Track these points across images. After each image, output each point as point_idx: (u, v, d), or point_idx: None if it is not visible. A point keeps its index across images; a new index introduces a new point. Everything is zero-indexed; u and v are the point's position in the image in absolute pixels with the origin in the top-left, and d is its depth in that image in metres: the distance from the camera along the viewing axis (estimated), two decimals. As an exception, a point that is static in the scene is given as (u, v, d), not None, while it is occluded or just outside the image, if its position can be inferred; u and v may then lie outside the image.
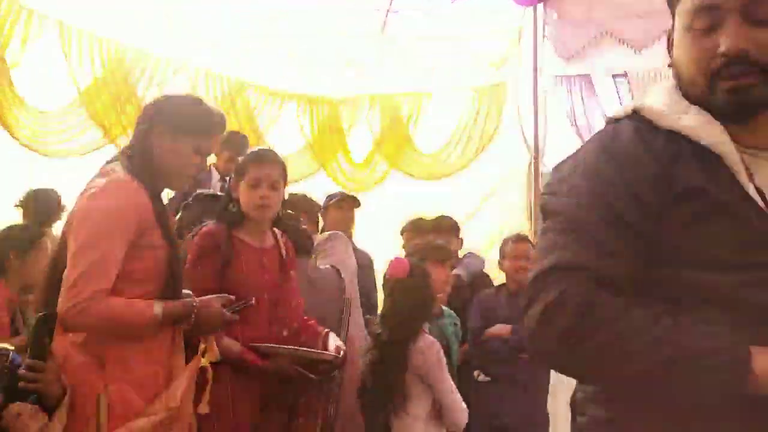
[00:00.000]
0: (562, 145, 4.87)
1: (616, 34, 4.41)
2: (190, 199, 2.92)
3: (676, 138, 0.93)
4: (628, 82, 4.54)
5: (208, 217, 2.42)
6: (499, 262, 3.79)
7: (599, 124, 4.45)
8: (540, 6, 4.99)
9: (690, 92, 0.96)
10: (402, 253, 3.43)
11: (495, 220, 5.30)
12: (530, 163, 5.03)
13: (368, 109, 5.80)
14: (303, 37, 5.17)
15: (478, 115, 5.31)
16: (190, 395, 1.86)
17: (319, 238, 3.30)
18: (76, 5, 4.39)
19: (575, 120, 4.80)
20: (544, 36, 4.98)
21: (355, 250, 3.58)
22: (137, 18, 4.62)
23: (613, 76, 4.65)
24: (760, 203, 0.89)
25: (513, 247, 3.65)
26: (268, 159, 2.31)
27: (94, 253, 1.68)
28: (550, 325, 0.87)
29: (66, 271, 1.69)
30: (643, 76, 4.46)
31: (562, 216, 0.93)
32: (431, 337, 2.59)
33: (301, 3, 4.99)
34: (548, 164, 4.97)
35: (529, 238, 3.88)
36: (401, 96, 5.77)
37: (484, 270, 4.22)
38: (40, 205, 3.66)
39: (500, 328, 3.46)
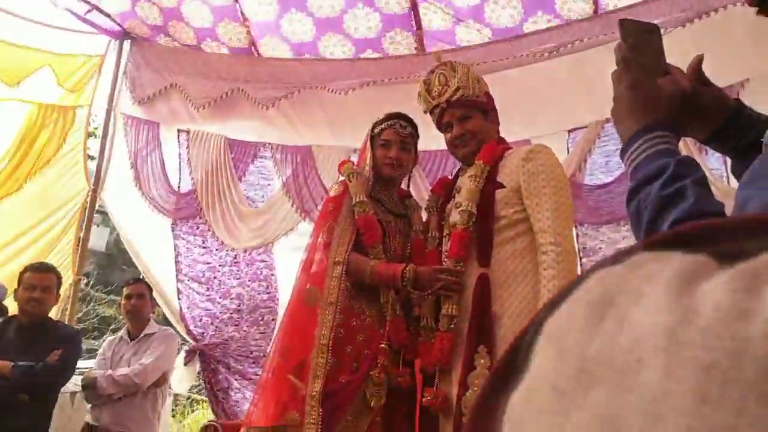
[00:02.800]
0: (117, 185, 4.85)
1: (182, 88, 4.67)
2: None
3: None
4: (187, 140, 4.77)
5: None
6: (14, 291, 3.54)
7: (156, 172, 4.51)
8: (127, 42, 4.99)
9: None
10: None
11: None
12: (88, 194, 4.84)
13: None
14: None
15: (40, 133, 4.86)
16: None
17: None
18: None
19: (135, 163, 4.81)
20: (124, 72, 4.97)
21: None
22: None
23: (178, 130, 4.83)
24: None
25: (27, 276, 3.43)
26: None
27: None
28: None
29: None
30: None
31: None
32: None
33: None
34: (106, 199, 4.87)
35: (56, 268, 3.67)
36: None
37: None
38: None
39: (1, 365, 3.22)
